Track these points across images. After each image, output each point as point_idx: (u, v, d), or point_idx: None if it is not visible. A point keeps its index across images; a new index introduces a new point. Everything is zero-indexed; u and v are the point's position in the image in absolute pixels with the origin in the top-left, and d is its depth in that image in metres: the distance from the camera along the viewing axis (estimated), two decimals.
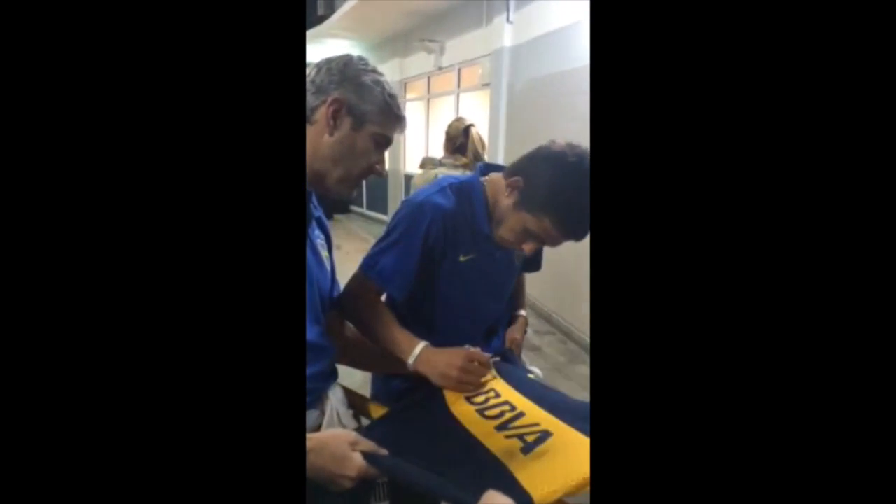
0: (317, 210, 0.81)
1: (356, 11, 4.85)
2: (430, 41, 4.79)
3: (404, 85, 5.85)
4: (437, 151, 2.28)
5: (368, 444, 0.59)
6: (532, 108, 3.46)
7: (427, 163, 2.05)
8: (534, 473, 0.58)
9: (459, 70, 4.67)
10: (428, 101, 5.46)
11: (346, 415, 0.75)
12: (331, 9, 6.06)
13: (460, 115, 3.33)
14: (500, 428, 0.69)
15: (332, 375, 0.81)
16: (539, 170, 0.79)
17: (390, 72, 5.86)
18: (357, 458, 0.57)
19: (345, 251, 4.33)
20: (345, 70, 0.67)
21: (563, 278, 2.71)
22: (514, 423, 0.70)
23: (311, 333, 0.73)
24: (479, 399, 0.77)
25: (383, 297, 0.93)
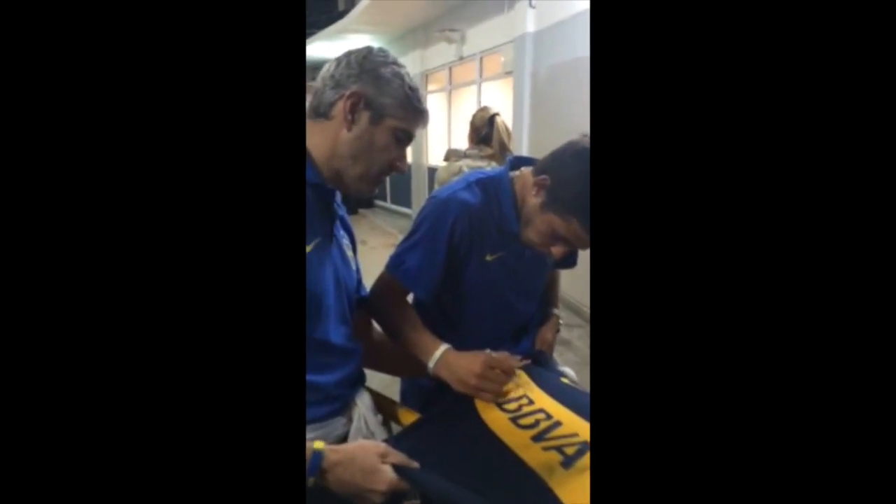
0: (340, 209, 0.78)
1: (376, 5, 4.81)
2: (451, 30, 4.71)
3: (425, 76, 5.79)
4: (460, 143, 2.23)
5: (399, 457, 0.57)
6: (557, 94, 3.35)
7: (451, 154, 2.00)
8: (576, 490, 0.54)
9: (481, 59, 4.58)
10: (450, 92, 5.39)
11: (375, 422, 0.73)
12: (351, 4, 6.04)
13: (484, 104, 3.26)
14: (537, 439, 0.65)
15: (360, 380, 0.78)
16: (567, 168, 0.74)
17: (411, 64, 5.81)
18: (387, 472, 0.55)
19: (370, 246, 4.34)
20: (363, 63, 0.64)
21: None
22: (552, 433, 0.66)
23: (338, 335, 0.70)
24: (512, 406, 0.72)
25: (410, 297, 0.90)
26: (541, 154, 0.82)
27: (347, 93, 0.63)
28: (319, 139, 0.65)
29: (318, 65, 0.71)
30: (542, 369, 0.86)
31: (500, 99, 4.35)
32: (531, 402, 0.73)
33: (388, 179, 5.91)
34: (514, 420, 0.69)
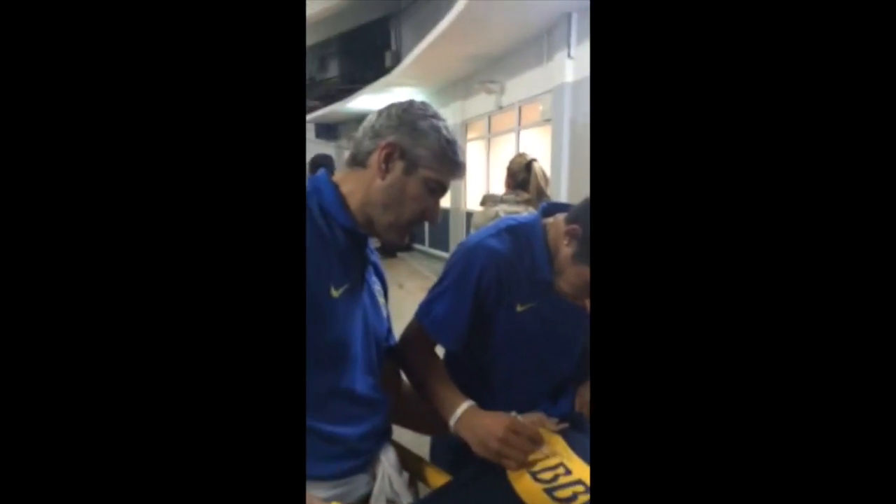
0: (373, 254, 0.77)
1: (420, 61, 5.09)
2: (491, 82, 4.89)
3: (465, 125, 5.98)
4: (498, 189, 2.24)
5: None
6: None
7: (488, 200, 2.01)
8: None
9: (520, 108, 4.69)
10: (489, 140, 5.52)
11: (400, 482, 0.68)
12: (397, 60, 6.43)
13: (522, 151, 3.30)
14: None
15: (386, 435, 0.74)
16: None
17: (452, 114, 6.04)
18: None
19: (407, 290, 4.35)
20: (403, 115, 0.65)
21: None
22: None
23: (364, 385, 0.68)
24: (547, 476, 0.66)
25: (441, 349, 0.86)
26: (579, 201, 0.79)
27: (384, 143, 0.64)
28: (354, 186, 0.66)
29: (364, 117, 0.73)
30: (581, 435, 0.79)
31: (538, 146, 4.40)
32: (568, 471, 0.67)
33: (426, 224, 6.05)
34: (549, 492, 0.63)
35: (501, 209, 1.86)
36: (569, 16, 3.57)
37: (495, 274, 0.78)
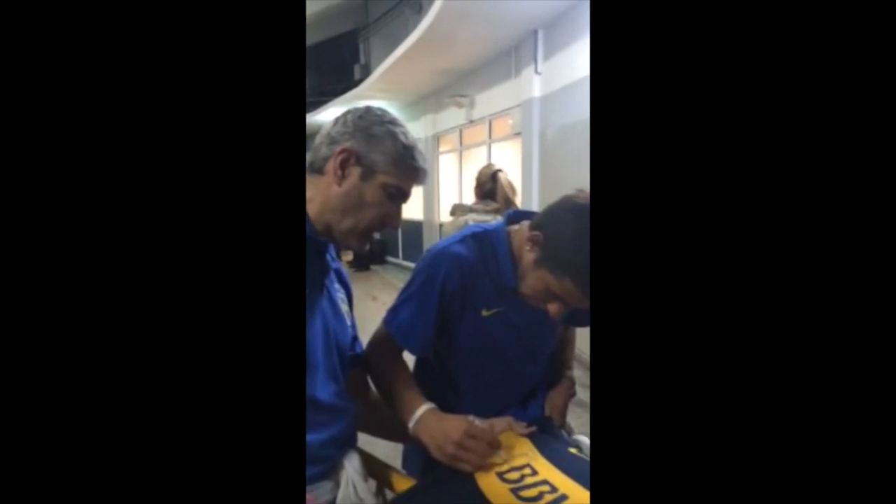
0: (334, 262, 0.77)
1: (389, 74, 5.13)
2: (461, 96, 4.96)
3: (437, 138, 6.03)
4: (469, 200, 2.26)
5: None
6: (564, 154, 3.44)
7: (457, 209, 2.03)
8: None
9: (490, 121, 4.77)
10: (460, 152, 5.59)
11: (365, 489, 0.67)
12: (367, 72, 6.45)
13: (492, 163, 3.35)
14: None
15: (350, 441, 0.73)
16: (561, 224, 0.72)
17: (423, 128, 6.09)
18: None
19: (381, 302, 4.31)
20: (358, 122, 0.65)
21: None
22: None
23: (326, 392, 0.67)
24: (514, 476, 0.66)
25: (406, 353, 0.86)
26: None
27: (339, 149, 0.64)
28: (312, 193, 0.66)
29: None
30: (549, 438, 0.79)
31: (509, 158, 4.47)
32: (535, 472, 0.67)
33: (399, 235, 5.98)
34: (515, 492, 0.63)
35: (471, 218, 1.88)
36: (535, 32, 3.68)
37: (460, 279, 0.79)
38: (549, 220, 0.74)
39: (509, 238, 0.82)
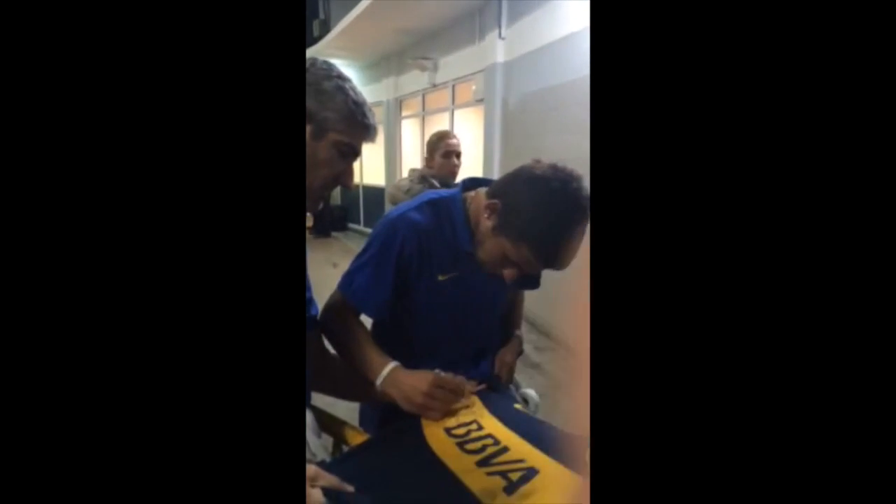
0: None
1: (350, 31, 4.90)
2: (424, 59, 4.83)
3: (399, 102, 5.88)
4: None
5: (330, 479, 0.54)
6: (527, 122, 3.45)
7: (411, 173, 2.03)
8: None
9: (454, 86, 4.69)
10: (423, 118, 5.48)
11: (317, 444, 0.69)
12: (326, 29, 6.13)
13: (457, 131, 3.32)
14: (482, 464, 0.62)
15: None
16: (518, 193, 0.74)
17: (385, 90, 5.90)
18: (315, 496, 0.51)
19: (341, 269, 4.27)
20: (306, 76, 0.63)
21: (562, 289, 2.65)
22: (497, 458, 0.64)
23: None
24: (460, 431, 0.70)
25: (363, 316, 0.88)
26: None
27: None
28: None
29: None
30: (496, 395, 0.84)
31: (472, 126, 4.44)
32: (480, 427, 0.71)
33: (361, 203, 5.85)
34: (460, 445, 0.67)
35: (415, 184, 1.90)
36: None
37: (416, 245, 0.81)
38: (507, 189, 0.76)
39: (465, 204, 0.84)
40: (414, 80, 5.27)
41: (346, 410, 0.91)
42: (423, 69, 4.89)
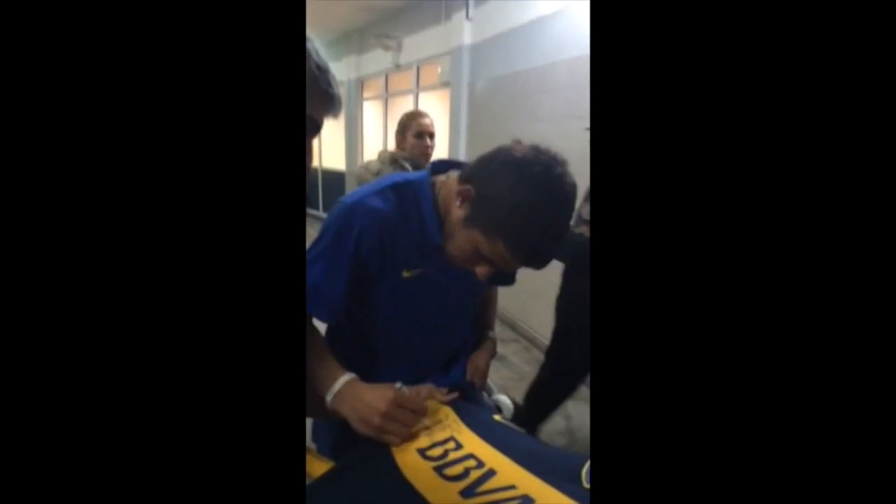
0: None
1: (309, 4, 4.60)
2: (387, 37, 4.62)
3: (361, 83, 5.65)
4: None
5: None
6: (494, 108, 3.35)
7: (382, 155, 1.90)
8: None
9: (418, 68, 4.52)
10: (386, 100, 5.28)
11: None
12: None
13: (418, 108, 3.17)
14: (467, 494, 0.53)
15: None
16: (494, 179, 0.63)
17: (346, 69, 5.64)
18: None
19: None
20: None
21: (527, 282, 2.61)
22: (484, 485, 0.54)
23: None
24: (437, 452, 0.60)
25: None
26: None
27: None
28: None
29: None
30: (471, 405, 0.74)
31: (437, 110, 4.30)
32: (459, 445, 0.61)
33: (320, 187, 5.67)
34: (438, 471, 0.57)
35: (385, 167, 1.78)
36: None
37: (377, 237, 0.69)
38: (482, 174, 0.65)
39: (434, 190, 0.72)
40: (377, 59, 5.05)
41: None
42: (387, 48, 4.68)
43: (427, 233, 0.70)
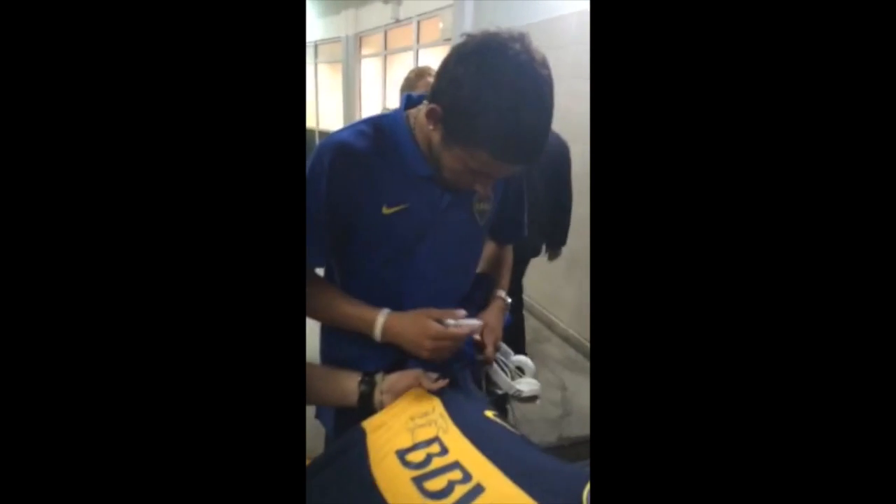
0: None
1: None
2: None
3: (359, 40, 5.42)
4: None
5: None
6: None
7: (387, 112, 1.81)
8: None
9: (418, 23, 4.32)
10: (385, 57, 5.08)
11: None
12: None
13: (426, 65, 3.03)
14: None
15: None
16: (455, 88, 0.57)
17: (343, 24, 5.41)
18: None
19: None
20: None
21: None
22: None
23: None
24: (418, 457, 0.52)
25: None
26: None
27: None
28: None
29: None
30: (462, 398, 0.65)
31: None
32: (444, 450, 0.53)
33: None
34: (418, 482, 0.49)
35: None
36: None
37: (349, 170, 0.65)
38: (442, 85, 0.59)
39: (409, 122, 0.68)
40: (376, 13, 4.82)
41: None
42: (386, 1, 4.46)
43: (408, 164, 0.67)
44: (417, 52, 4.45)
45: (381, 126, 0.68)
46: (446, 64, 0.59)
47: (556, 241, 1.93)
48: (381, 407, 0.62)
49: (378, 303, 0.73)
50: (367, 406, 0.63)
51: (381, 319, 0.68)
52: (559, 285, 2.64)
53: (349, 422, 0.61)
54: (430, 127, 0.62)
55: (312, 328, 0.64)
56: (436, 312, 0.69)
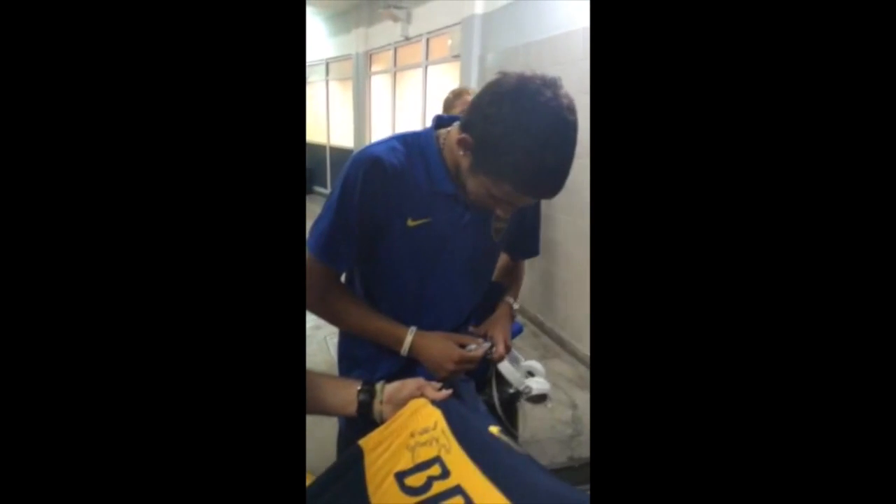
0: None
1: None
2: (396, 8, 4.49)
3: (369, 57, 5.52)
4: (405, 128, 2.06)
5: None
6: None
7: None
8: None
9: (427, 40, 4.40)
10: (395, 74, 5.17)
11: None
12: None
13: (463, 86, 3.05)
14: None
15: None
16: (487, 121, 0.62)
17: (354, 43, 5.52)
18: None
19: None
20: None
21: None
22: None
23: None
24: (418, 481, 0.50)
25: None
26: None
27: None
28: None
29: None
30: (466, 411, 0.62)
31: (447, 84, 4.19)
32: (446, 472, 0.51)
33: (328, 165, 5.60)
34: None
35: None
36: None
37: (381, 183, 0.69)
38: (475, 119, 0.64)
39: (438, 142, 0.73)
40: (385, 31, 4.92)
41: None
42: (396, 20, 4.55)
43: (434, 181, 0.71)
44: (426, 68, 4.52)
45: (411, 143, 0.73)
46: (480, 99, 0.64)
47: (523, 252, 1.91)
48: (381, 417, 0.61)
49: (398, 308, 0.78)
50: (367, 416, 0.63)
51: (409, 338, 0.75)
52: (570, 302, 2.62)
53: (359, 417, 0.63)
54: (461, 153, 0.67)
55: (311, 336, 0.66)
56: (460, 338, 0.76)
